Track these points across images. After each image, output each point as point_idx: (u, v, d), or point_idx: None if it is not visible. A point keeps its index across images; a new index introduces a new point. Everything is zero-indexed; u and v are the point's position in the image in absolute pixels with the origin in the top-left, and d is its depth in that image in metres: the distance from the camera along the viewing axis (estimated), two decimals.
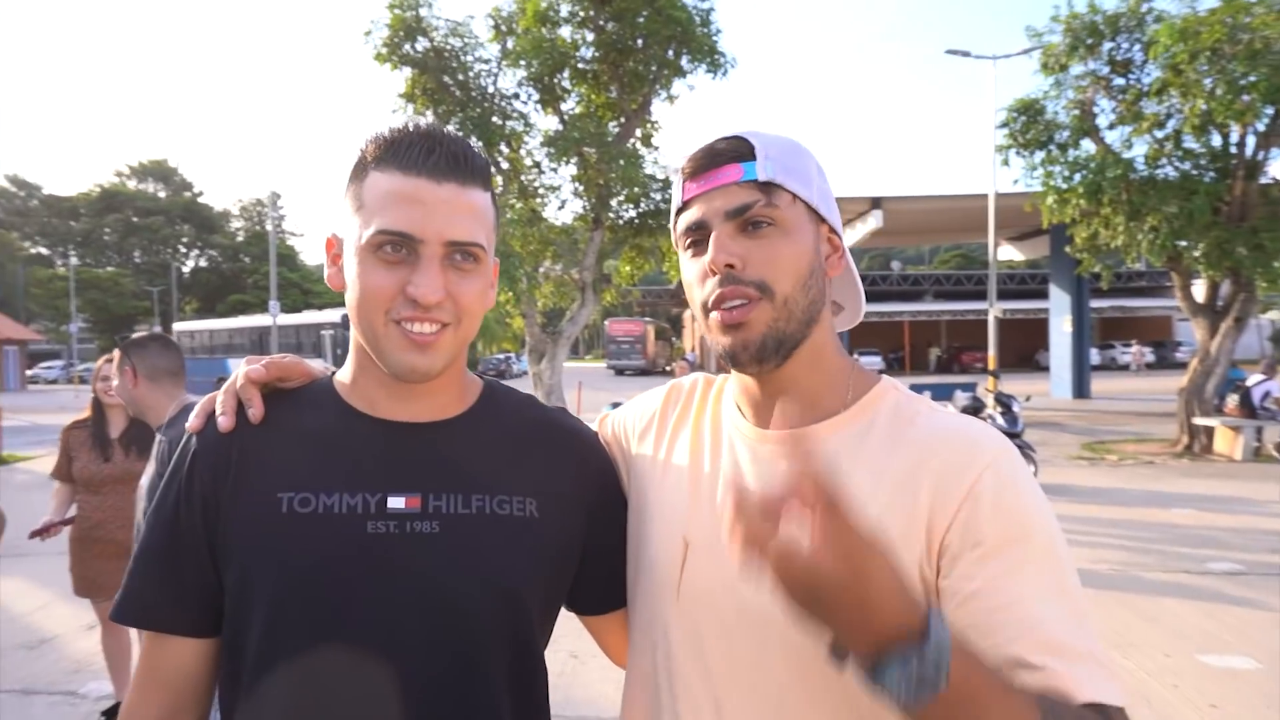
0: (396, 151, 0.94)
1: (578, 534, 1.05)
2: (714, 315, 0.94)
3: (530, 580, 0.98)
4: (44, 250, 64.48)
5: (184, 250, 67.01)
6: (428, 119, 12.57)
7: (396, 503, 0.95)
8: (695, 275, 0.97)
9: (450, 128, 1.03)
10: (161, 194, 67.90)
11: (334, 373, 1.07)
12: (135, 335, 2.82)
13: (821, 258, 0.97)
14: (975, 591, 0.81)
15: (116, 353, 2.82)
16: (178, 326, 42.04)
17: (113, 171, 70.98)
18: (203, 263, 67.67)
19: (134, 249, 63.79)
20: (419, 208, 0.92)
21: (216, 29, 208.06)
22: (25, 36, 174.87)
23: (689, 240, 0.98)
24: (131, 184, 67.96)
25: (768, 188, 0.93)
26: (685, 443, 1.07)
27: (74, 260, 56.39)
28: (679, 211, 1.00)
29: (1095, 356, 33.24)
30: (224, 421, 0.99)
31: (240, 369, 1.05)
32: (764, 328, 0.92)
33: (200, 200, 69.02)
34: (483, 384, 1.10)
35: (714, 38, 13.13)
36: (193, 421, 1.01)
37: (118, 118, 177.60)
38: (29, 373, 45.81)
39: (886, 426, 0.94)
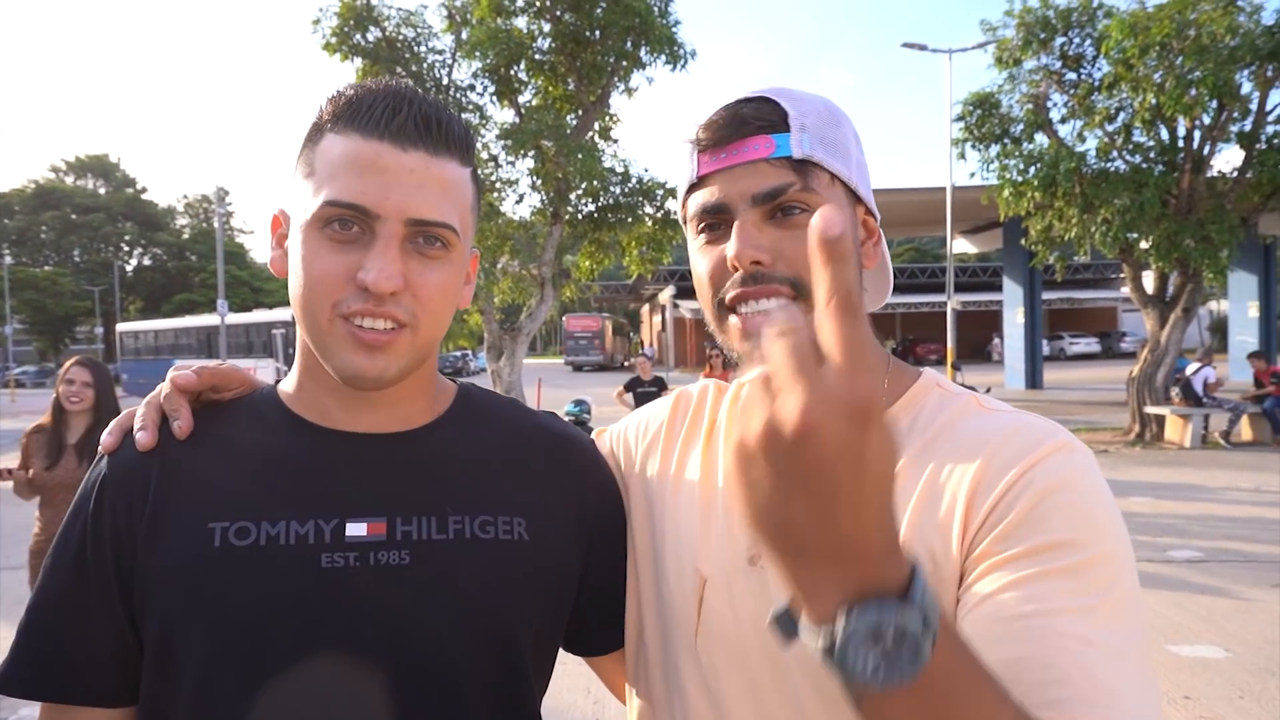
0: (357, 111, 0.78)
1: (576, 558, 0.90)
2: (733, 320, 0.80)
3: (522, 616, 0.83)
4: None
5: (127, 248, 64.90)
6: None
7: (357, 529, 0.79)
8: (709, 267, 0.82)
9: None
10: (102, 190, 65.69)
11: (278, 381, 0.91)
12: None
13: (857, 245, 0.83)
14: (991, 595, 0.65)
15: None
16: (121, 327, 40.73)
17: (48, 167, 68.41)
18: (147, 261, 65.64)
19: (73, 247, 61.58)
20: (377, 177, 0.76)
21: (159, 17, 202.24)
22: None
23: (703, 224, 0.83)
24: (69, 180, 65.62)
25: (803, 167, 0.79)
26: (697, 461, 0.92)
27: (8, 259, 54.22)
28: (691, 188, 0.84)
29: (1045, 347, 33.98)
30: (143, 438, 0.82)
31: (167, 378, 0.87)
32: None
33: (143, 197, 66.95)
34: (456, 387, 0.94)
35: (673, 29, 13.00)
36: (106, 440, 0.84)
37: (52, 111, 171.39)
38: None
39: (931, 423, 0.80)
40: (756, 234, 0.79)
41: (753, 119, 0.80)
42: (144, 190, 68.03)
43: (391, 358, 0.79)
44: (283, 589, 0.76)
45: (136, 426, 0.83)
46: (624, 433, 1.03)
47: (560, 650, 0.97)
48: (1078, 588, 0.64)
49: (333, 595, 0.77)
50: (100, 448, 0.84)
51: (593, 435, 1.08)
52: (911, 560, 0.49)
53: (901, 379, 0.86)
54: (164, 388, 0.86)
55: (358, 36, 12.76)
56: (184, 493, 0.80)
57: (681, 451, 0.95)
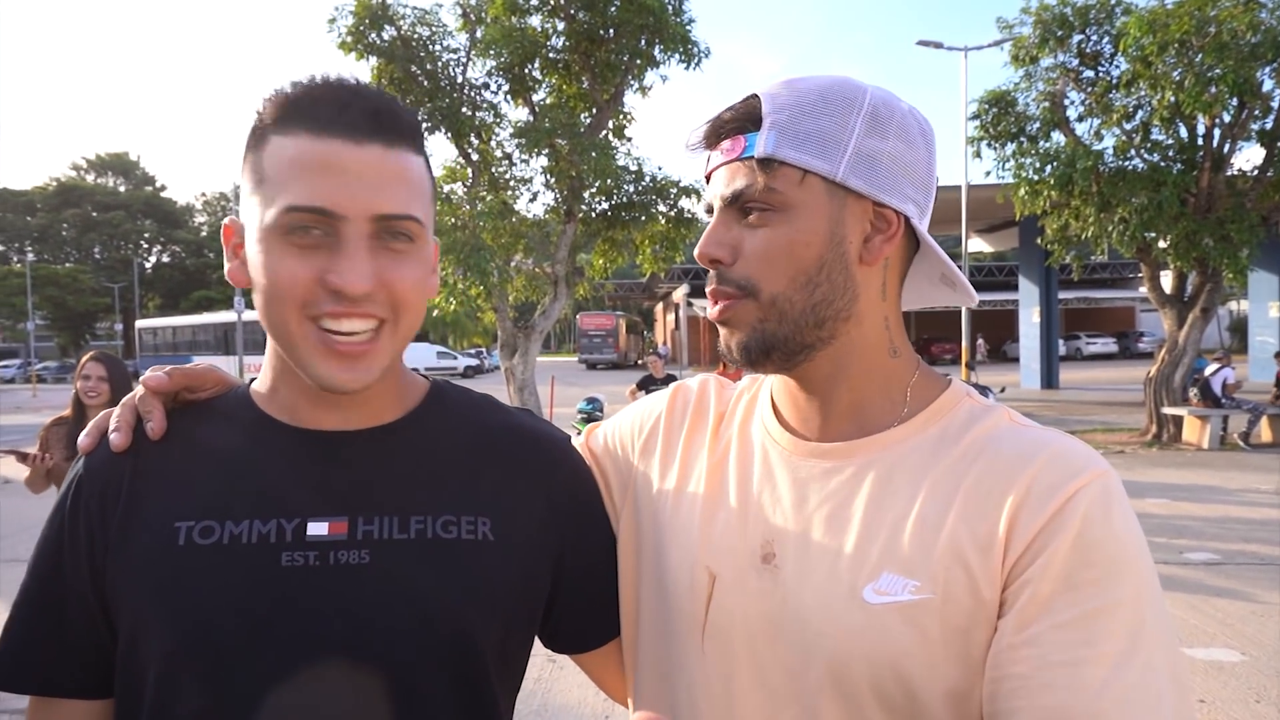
0: (301, 109, 0.76)
1: (546, 558, 0.89)
2: (710, 309, 0.84)
3: (483, 619, 0.82)
4: None
5: (146, 246, 65.58)
6: None
7: (318, 529, 0.79)
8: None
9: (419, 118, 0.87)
10: (122, 188, 66.35)
11: (252, 380, 0.91)
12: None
13: (844, 244, 0.80)
14: (1032, 638, 0.68)
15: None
16: (140, 324, 41.13)
17: (69, 164, 69.07)
18: (165, 258, 66.27)
19: (93, 244, 62.26)
20: (336, 176, 0.74)
21: (179, 15, 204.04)
22: None
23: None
24: (90, 178, 66.33)
25: (769, 165, 0.79)
26: (701, 455, 0.91)
27: (30, 256, 54.90)
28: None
29: (1061, 347, 33.75)
30: (117, 439, 0.82)
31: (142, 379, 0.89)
32: (747, 329, 0.81)
33: (163, 194, 67.61)
34: (429, 384, 0.94)
35: (687, 27, 12.97)
36: (83, 441, 0.84)
37: (74, 109, 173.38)
38: None
39: (962, 437, 0.79)
40: (724, 232, 0.82)
41: (730, 120, 0.82)
42: (163, 188, 68.76)
43: (372, 362, 0.79)
44: (242, 587, 0.77)
45: (111, 428, 0.84)
46: (619, 428, 1.02)
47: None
48: (1111, 627, 0.68)
49: (291, 594, 0.77)
50: (79, 449, 0.85)
51: (585, 430, 1.08)
52: None
53: (930, 385, 0.85)
54: (138, 389, 0.87)
55: (373, 35, 12.79)
56: (154, 493, 0.81)
57: (685, 445, 0.94)
